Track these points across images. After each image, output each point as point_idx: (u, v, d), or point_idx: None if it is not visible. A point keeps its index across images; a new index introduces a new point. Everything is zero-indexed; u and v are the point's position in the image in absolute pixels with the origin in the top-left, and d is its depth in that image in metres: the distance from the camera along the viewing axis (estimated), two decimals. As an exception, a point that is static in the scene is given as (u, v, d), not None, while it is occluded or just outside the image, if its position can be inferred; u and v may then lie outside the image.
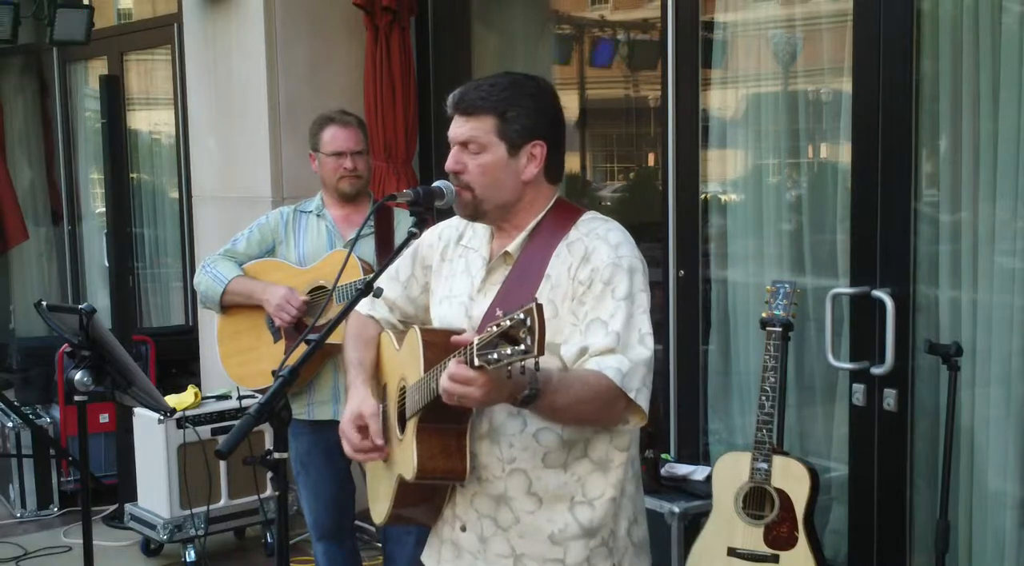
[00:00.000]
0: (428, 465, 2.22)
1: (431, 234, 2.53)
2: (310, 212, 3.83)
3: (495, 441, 2.29)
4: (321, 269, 3.67)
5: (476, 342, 1.93)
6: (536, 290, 2.28)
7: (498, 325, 1.89)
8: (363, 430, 2.36)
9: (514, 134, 2.30)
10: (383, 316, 2.59)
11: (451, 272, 2.47)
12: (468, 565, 2.38)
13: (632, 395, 2.18)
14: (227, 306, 3.77)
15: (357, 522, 4.06)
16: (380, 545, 4.05)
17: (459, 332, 2.25)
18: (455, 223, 2.52)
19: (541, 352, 1.86)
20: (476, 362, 1.92)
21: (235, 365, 3.82)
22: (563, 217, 2.37)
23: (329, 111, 3.85)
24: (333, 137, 3.73)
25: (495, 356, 1.89)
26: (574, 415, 2.20)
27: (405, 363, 2.35)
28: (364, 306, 2.59)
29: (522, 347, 1.86)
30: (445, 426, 2.23)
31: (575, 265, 2.28)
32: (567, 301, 2.26)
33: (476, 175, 2.30)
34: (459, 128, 2.33)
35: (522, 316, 1.86)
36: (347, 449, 2.38)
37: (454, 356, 2.00)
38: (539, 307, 1.85)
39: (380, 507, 2.47)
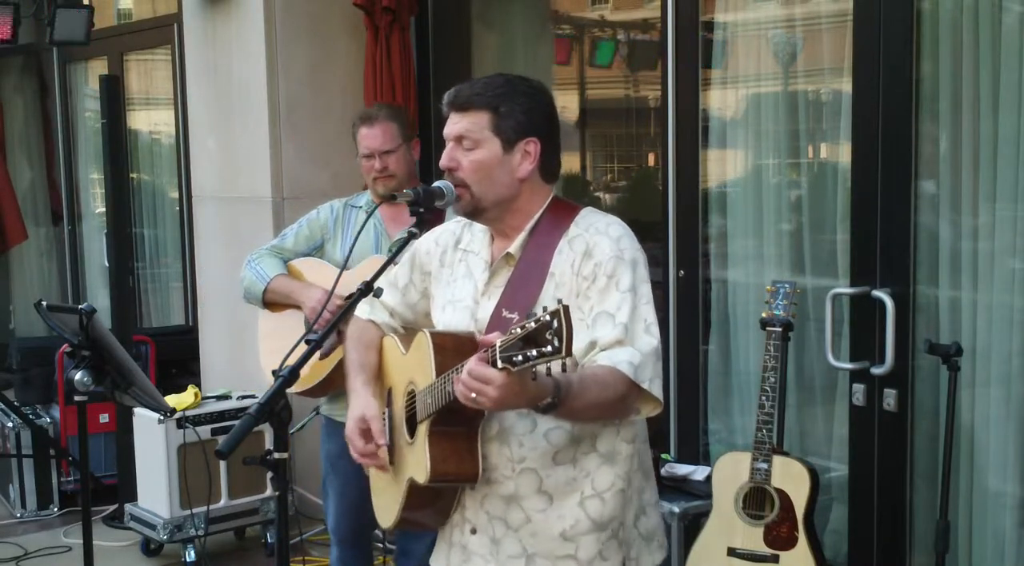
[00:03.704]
0: (440, 467, 2.22)
1: (428, 240, 2.54)
2: (360, 208, 3.73)
3: (505, 442, 2.30)
4: (360, 273, 3.61)
5: (499, 343, 1.92)
6: (541, 289, 2.29)
7: (522, 327, 1.89)
8: (367, 434, 2.36)
9: (508, 130, 2.31)
10: (384, 321, 2.59)
11: (452, 277, 2.47)
12: None
13: (646, 385, 2.21)
14: (269, 303, 3.73)
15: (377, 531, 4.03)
16: (392, 546, 4.02)
17: (468, 335, 2.26)
18: (451, 227, 2.52)
19: (569, 353, 1.86)
20: (499, 364, 1.92)
21: (271, 365, 3.79)
22: (561, 215, 2.38)
23: (364, 109, 3.77)
24: (362, 138, 3.64)
25: (520, 357, 1.88)
26: (591, 415, 2.24)
27: (413, 367, 2.35)
28: (364, 311, 2.59)
29: (549, 349, 1.85)
30: (457, 429, 2.23)
31: (577, 261, 2.29)
32: (572, 297, 2.28)
33: (470, 171, 2.31)
34: (454, 125, 2.34)
35: (548, 317, 1.86)
36: (353, 454, 2.39)
37: (476, 356, 2.00)
38: (566, 308, 1.85)
39: (388, 512, 2.46)
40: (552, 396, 2.04)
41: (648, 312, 2.27)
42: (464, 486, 2.34)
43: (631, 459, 2.37)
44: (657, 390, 2.24)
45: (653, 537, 2.47)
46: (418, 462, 2.26)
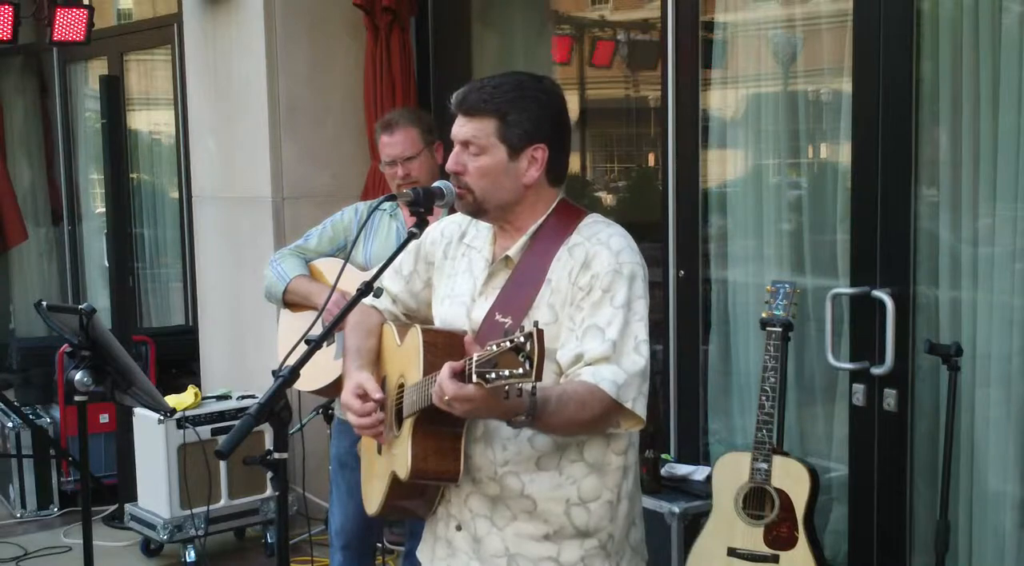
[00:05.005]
0: (421, 465, 2.23)
1: (434, 230, 2.54)
2: (384, 210, 3.69)
3: (489, 443, 2.30)
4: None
5: (476, 358, 1.93)
6: (536, 295, 2.29)
7: (498, 345, 1.90)
8: (364, 397, 2.34)
9: (515, 137, 2.29)
10: (386, 307, 2.59)
11: (453, 271, 2.47)
12: (462, 564, 2.38)
13: (629, 405, 2.20)
14: (289, 304, 3.71)
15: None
16: (392, 547, 3.99)
17: (460, 334, 2.26)
18: (458, 220, 2.51)
19: (539, 378, 1.87)
20: (474, 378, 1.92)
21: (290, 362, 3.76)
22: (565, 220, 2.36)
23: (386, 115, 3.74)
24: (383, 146, 3.62)
25: (493, 375, 1.90)
26: (568, 431, 2.24)
27: (405, 360, 2.35)
28: (368, 297, 2.59)
29: (520, 370, 1.87)
30: (442, 428, 2.23)
31: (576, 270, 2.28)
32: (567, 306, 2.27)
33: (475, 177, 2.30)
34: (461, 128, 2.33)
35: (522, 339, 1.87)
36: (352, 419, 2.36)
37: (452, 366, 2.00)
38: (540, 333, 1.86)
39: (374, 500, 2.47)
40: (527, 413, 2.05)
41: (640, 330, 2.25)
42: (448, 484, 2.34)
43: (622, 470, 2.35)
44: (640, 410, 2.22)
45: (641, 547, 2.48)
46: (401, 457, 2.26)
